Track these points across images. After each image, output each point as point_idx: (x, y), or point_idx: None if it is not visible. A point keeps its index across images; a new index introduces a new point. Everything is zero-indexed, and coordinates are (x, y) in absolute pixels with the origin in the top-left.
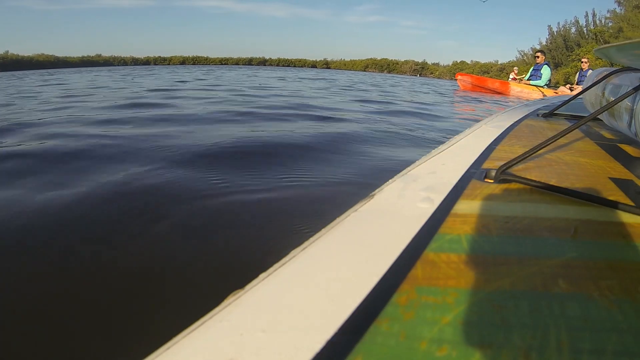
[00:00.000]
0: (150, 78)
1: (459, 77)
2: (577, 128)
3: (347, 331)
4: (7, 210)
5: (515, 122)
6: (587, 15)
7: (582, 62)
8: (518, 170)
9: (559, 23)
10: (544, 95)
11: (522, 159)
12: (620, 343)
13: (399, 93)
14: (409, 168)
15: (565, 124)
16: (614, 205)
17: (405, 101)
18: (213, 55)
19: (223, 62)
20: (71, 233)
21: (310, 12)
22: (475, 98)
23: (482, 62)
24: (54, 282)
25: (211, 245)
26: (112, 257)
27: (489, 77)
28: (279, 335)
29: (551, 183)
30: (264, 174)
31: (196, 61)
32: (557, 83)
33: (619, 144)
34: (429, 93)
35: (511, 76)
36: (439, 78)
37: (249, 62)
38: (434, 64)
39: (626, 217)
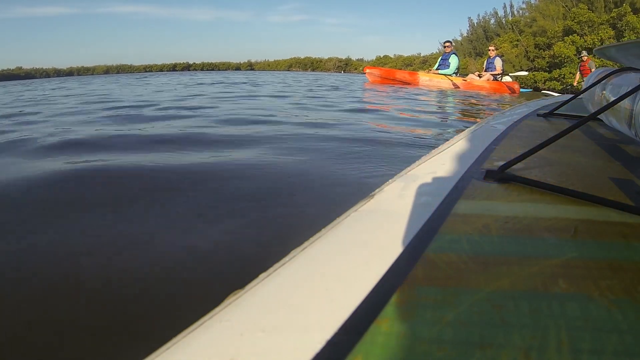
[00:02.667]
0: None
1: (367, 70)
2: (577, 128)
3: (347, 331)
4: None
5: (515, 122)
6: (505, 6)
7: (489, 49)
8: (518, 170)
9: (479, 15)
10: (453, 83)
11: (522, 159)
12: (620, 343)
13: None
14: (409, 168)
15: (565, 124)
16: (614, 205)
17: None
18: (137, 62)
19: (147, 69)
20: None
21: (234, 14)
22: (373, 89)
23: (405, 55)
24: (48, 279)
25: (211, 245)
26: (110, 256)
27: (412, 69)
28: (279, 335)
29: (551, 183)
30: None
31: (120, 70)
32: (477, 72)
33: (619, 144)
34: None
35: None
36: (362, 73)
37: (173, 67)
38: (358, 59)
39: (626, 217)
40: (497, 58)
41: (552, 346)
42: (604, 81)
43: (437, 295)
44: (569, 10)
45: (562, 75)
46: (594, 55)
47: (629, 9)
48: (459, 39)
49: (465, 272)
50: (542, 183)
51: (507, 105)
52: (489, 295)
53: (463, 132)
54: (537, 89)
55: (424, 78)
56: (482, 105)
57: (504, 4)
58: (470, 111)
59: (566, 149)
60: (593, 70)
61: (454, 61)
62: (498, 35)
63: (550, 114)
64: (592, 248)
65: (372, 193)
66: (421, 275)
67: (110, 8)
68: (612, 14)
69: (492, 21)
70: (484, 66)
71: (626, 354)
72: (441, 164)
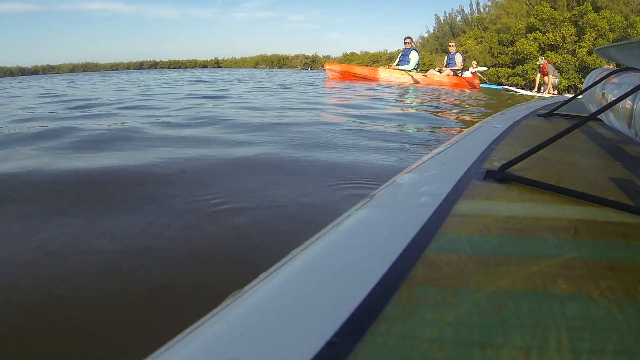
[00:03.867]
0: None
1: (328, 67)
2: (577, 128)
3: (347, 331)
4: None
5: (515, 122)
6: (471, 4)
7: (450, 46)
8: (518, 170)
9: (445, 12)
10: (413, 79)
11: (522, 159)
12: (620, 343)
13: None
14: (409, 168)
15: (565, 124)
16: (614, 205)
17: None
18: (103, 61)
19: (114, 67)
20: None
21: (199, 11)
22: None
23: (372, 52)
24: (45, 277)
25: (211, 245)
26: (108, 256)
27: (378, 66)
28: (279, 335)
29: (551, 183)
30: None
31: (86, 68)
32: (438, 68)
33: (619, 144)
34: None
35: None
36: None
37: (140, 66)
38: (325, 56)
39: (626, 217)
40: (458, 54)
41: (552, 346)
42: (604, 81)
43: (437, 295)
44: (532, 8)
45: (525, 71)
46: (549, 59)
47: (590, 7)
48: (426, 35)
49: (465, 272)
50: (542, 183)
51: (467, 99)
52: (489, 295)
53: (463, 132)
54: (500, 84)
55: (384, 74)
56: (442, 100)
57: (470, 1)
58: (431, 105)
59: (566, 149)
60: (551, 72)
61: (414, 57)
62: (464, 32)
63: (550, 114)
64: (592, 248)
65: (372, 193)
66: (421, 275)
67: (75, 5)
68: (574, 12)
69: (459, 18)
70: (445, 62)
71: (626, 354)
72: (441, 164)
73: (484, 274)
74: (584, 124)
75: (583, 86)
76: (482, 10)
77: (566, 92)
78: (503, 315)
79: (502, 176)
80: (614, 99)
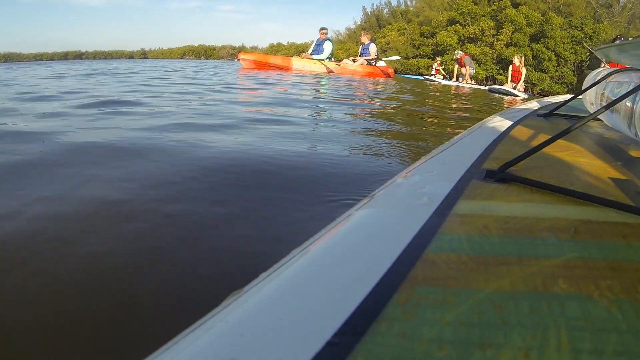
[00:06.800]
0: None
1: (242, 57)
2: (577, 128)
3: (347, 332)
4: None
5: (515, 122)
6: None
7: (362, 36)
8: (518, 170)
9: (373, 4)
10: (327, 68)
11: (522, 159)
12: (620, 343)
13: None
14: (409, 168)
15: (565, 124)
16: (614, 205)
17: None
18: (27, 51)
19: (38, 57)
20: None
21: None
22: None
23: (299, 42)
24: (45, 280)
25: (211, 245)
26: (107, 256)
27: (293, 55)
28: (279, 335)
29: (551, 183)
30: None
31: (8, 58)
32: (352, 57)
33: (619, 144)
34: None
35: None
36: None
37: (65, 56)
38: (252, 47)
39: (626, 217)
40: (372, 44)
41: (552, 346)
42: (604, 81)
43: (437, 295)
44: (454, 1)
45: (444, 62)
46: (467, 51)
47: (509, 3)
48: (353, 27)
49: (465, 272)
50: (542, 183)
51: (381, 87)
52: (489, 295)
53: (463, 132)
54: (420, 75)
55: (298, 63)
56: (357, 88)
57: None
58: (344, 93)
59: (566, 149)
60: (468, 63)
61: (327, 47)
62: (390, 24)
63: (550, 114)
64: (592, 248)
65: (372, 193)
66: (421, 275)
67: None
68: (493, 7)
69: (386, 10)
70: (359, 52)
71: (626, 354)
72: (441, 164)
73: (484, 274)
74: (584, 124)
75: (583, 86)
76: (409, 2)
77: (484, 82)
78: (503, 315)
79: (502, 176)
80: (614, 99)
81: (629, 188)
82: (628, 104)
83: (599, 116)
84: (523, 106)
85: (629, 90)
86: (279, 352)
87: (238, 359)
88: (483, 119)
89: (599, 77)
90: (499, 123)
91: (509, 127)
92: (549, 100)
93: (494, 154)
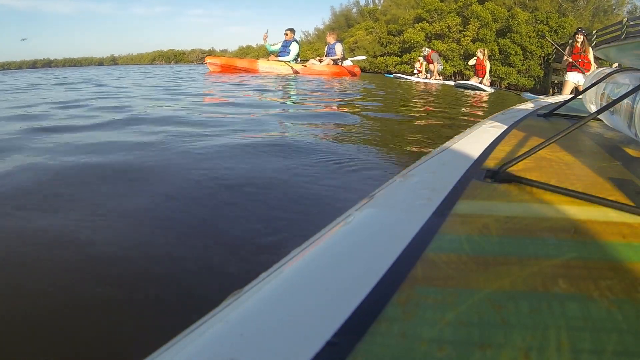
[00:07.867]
0: None
1: (208, 60)
2: (577, 128)
3: (347, 332)
4: None
5: (515, 122)
6: None
7: (327, 36)
8: (518, 170)
9: (341, 4)
10: (293, 69)
11: (522, 159)
12: (620, 343)
13: None
14: (409, 168)
15: (565, 124)
16: (614, 205)
17: None
18: None
19: (5, 66)
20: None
21: (96, 6)
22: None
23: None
24: (45, 275)
25: (211, 244)
26: (108, 255)
27: (258, 57)
28: (279, 335)
29: (551, 183)
30: None
31: None
32: (318, 58)
33: (619, 144)
34: None
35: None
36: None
37: (34, 64)
38: (222, 50)
39: (626, 217)
40: (338, 44)
41: (552, 346)
42: (604, 81)
43: (437, 295)
44: None
45: (412, 59)
46: (434, 48)
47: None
48: (322, 27)
49: (465, 272)
50: (542, 183)
51: (348, 86)
52: (489, 295)
53: (463, 132)
54: (389, 73)
55: (264, 65)
56: (322, 88)
57: None
58: (310, 93)
59: (566, 149)
60: (435, 60)
61: (294, 48)
62: (358, 23)
63: (550, 114)
64: (592, 248)
65: (372, 193)
66: (421, 275)
67: None
68: (459, 4)
69: (354, 10)
70: (325, 52)
71: (626, 354)
72: (441, 164)
73: (484, 274)
74: (584, 124)
75: (583, 86)
76: (377, 1)
77: (452, 78)
78: (503, 315)
79: (502, 176)
80: (614, 99)
81: (629, 188)
82: (628, 104)
83: (599, 116)
84: (523, 106)
85: (629, 90)
86: (278, 352)
87: (238, 359)
88: (453, 114)
89: (599, 77)
90: (499, 123)
91: (509, 127)
92: (549, 100)
93: (494, 154)
